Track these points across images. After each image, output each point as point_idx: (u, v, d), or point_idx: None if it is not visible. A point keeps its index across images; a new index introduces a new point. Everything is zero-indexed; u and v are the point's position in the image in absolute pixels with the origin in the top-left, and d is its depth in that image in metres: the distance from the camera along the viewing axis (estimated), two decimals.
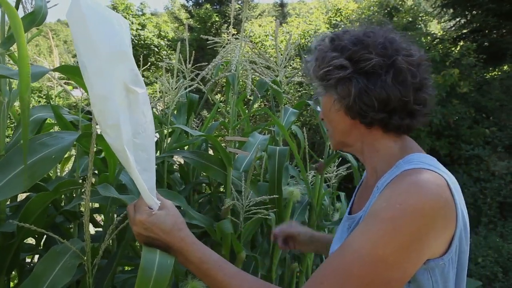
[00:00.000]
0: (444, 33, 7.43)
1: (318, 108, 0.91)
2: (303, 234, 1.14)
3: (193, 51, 1.52)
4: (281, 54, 1.43)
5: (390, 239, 0.65)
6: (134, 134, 0.70)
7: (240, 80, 1.29)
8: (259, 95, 1.35)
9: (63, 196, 1.21)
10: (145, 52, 14.66)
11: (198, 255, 0.73)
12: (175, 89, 1.29)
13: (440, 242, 0.69)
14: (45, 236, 1.19)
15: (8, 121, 1.02)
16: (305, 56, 0.87)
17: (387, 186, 0.73)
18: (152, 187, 0.74)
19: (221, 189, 1.52)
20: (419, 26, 7.52)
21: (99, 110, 0.65)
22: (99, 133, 0.81)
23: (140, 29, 15.69)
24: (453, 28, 7.67)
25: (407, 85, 0.76)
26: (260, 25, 9.81)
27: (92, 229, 1.44)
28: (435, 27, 8.65)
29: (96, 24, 0.63)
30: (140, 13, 16.80)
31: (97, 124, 0.71)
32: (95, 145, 0.82)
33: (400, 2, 8.08)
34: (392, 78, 0.75)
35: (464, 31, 7.45)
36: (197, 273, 0.75)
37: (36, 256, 1.31)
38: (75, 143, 0.94)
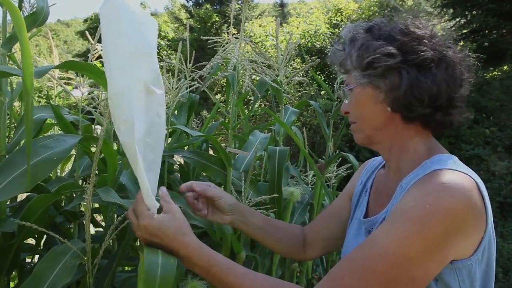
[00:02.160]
0: (444, 33, 7.43)
1: (346, 101, 0.85)
2: (223, 200, 0.95)
3: (194, 51, 1.52)
4: (282, 54, 1.43)
5: (417, 239, 0.65)
6: (146, 134, 0.70)
7: (240, 80, 1.29)
8: (259, 95, 1.35)
9: (63, 196, 1.21)
10: None
11: (205, 259, 0.72)
12: (176, 89, 1.29)
13: (469, 244, 0.69)
14: (45, 236, 1.19)
15: (8, 121, 1.02)
16: (332, 46, 0.84)
17: (413, 185, 0.72)
18: (154, 187, 0.75)
19: None
20: None
21: (116, 105, 0.67)
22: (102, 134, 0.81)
23: None
24: (453, 28, 7.66)
25: (455, 81, 0.75)
26: (260, 25, 9.82)
27: (92, 229, 1.44)
28: (435, 25, 8.66)
29: (126, 22, 0.65)
30: None
31: (98, 125, 0.72)
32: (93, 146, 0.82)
33: (400, 2, 8.08)
34: (443, 73, 0.74)
35: (464, 31, 7.45)
36: (206, 277, 0.74)
37: (36, 256, 1.31)
38: None
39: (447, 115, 0.77)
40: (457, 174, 0.70)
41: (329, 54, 0.89)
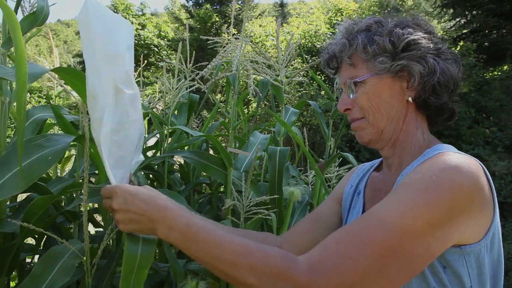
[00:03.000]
0: (444, 33, 7.44)
1: (352, 96, 0.80)
2: None
3: (194, 51, 1.52)
4: (282, 54, 1.43)
5: (422, 211, 0.61)
6: (113, 131, 0.73)
7: (241, 80, 1.29)
8: (262, 96, 1.34)
9: (63, 196, 1.21)
10: (145, 52, 14.67)
11: (184, 220, 0.69)
12: (176, 89, 1.29)
13: (476, 227, 0.67)
14: (45, 237, 1.19)
15: (8, 121, 1.02)
16: (346, 37, 0.81)
17: (418, 165, 0.71)
18: (124, 183, 0.78)
19: (221, 189, 1.52)
20: None
21: (91, 104, 0.71)
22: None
23: (140, 29, 15.69)
24: (453, 28, 7.67)
25: (460, 70, 0.80)
26: (260, 25, 9.82)
27: (92, 229, 1.44)
28: (435, 27, 8.67)
29: (98, 27, 0.69)
30: (140, 13, 16.80)
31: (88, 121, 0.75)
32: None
33: (400, 2, 8.08)
34: (453, 63, 0.78)
35: (464, 31, 7.46)
36: (183, 241, 0.68)
37: (37, 256, 1.31)
38: (74, 143, 0.94)
39: (454, 102, 0.80)
40: (463, 156, 0.69)
41: (326, 51, 0.88)
